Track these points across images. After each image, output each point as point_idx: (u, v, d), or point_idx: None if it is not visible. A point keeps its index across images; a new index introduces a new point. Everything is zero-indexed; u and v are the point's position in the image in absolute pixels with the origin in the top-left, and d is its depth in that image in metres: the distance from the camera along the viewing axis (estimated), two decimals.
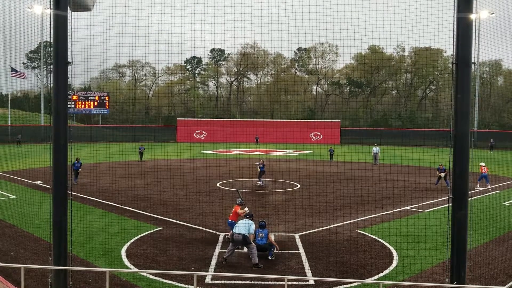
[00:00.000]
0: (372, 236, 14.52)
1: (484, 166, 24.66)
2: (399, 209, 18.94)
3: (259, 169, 25.30)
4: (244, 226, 11.94)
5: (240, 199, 14.28)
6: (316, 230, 15.31)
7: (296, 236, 14.40)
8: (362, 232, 15.11)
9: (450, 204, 8.93)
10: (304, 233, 14.84)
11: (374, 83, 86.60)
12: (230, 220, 13.50)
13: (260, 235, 12.26)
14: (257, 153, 47.97)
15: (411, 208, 19.33)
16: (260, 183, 25.13)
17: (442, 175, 24.81)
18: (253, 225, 12.06)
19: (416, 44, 75.52)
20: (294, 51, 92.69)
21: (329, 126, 70.99)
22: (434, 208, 19.18)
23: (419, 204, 20.05)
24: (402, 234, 14.67)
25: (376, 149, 38.67)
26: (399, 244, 13.63)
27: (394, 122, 78.56)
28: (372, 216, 17.50)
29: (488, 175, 24.79)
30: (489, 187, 24.54)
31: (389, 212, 18.41)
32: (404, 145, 59.39)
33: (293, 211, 18.06)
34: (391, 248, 13.26)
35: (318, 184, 24.61)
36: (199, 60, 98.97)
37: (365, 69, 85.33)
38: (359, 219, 17.06)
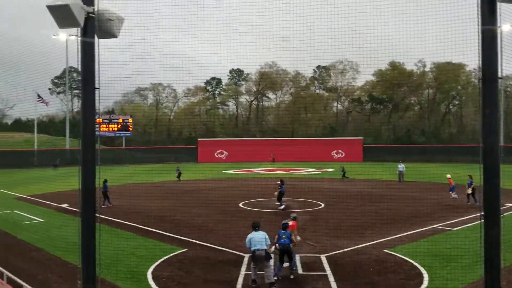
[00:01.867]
0: (401, 256, 14.17)
1: (450, 177, 27.03)
2: (427, 228, 18.48)
3: (279, 189, 24.66)
4: (261, 240, 11.73)
5: (294, 214, 14.70)
6: (343, 250, 15.03)
7: (323, 257, 14.15)
8: (390, 252, 14.77)
9: (482, 221, 8.65)
10: (330, 253, 14.59)
11: (396, 99, 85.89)
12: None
13: (284, 236, 12.11)
14: (279, 172, 47.79)
15: (439, 226, 18.84)
16: (283, 206, 24.24)
17: (470, 190, 24.21)
18: (267, 236, 11.93)
19: (437, 59, 74.86)
20: (314, 69, 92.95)
21: (351, 143, 70.42)
22: (464, 226, 18.66)
23: (448, 222, 19.53)
24: (432, 254, 14.27)
25: (401, 167, 38.11)
26: (429, 264, 13.25)
27: (418, 138, 77.43)
28: (400, 235, 17.12)
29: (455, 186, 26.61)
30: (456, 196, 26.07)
31: (417, 231, 17.98)
32: (429, 162, 58.38)
33: (318, 231, 17.81)
34: (421, 268, 12.90)
35: (343, 203, 24.30)
36: (219, 81, 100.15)
37: (386, 85, 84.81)
38: (386, 238, 16.70)
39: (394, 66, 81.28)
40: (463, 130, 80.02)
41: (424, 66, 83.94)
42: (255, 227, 12.16)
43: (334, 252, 14.77)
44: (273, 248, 12.51)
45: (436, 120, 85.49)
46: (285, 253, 12.11)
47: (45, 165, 56.05)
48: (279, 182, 25.23)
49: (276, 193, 24.78)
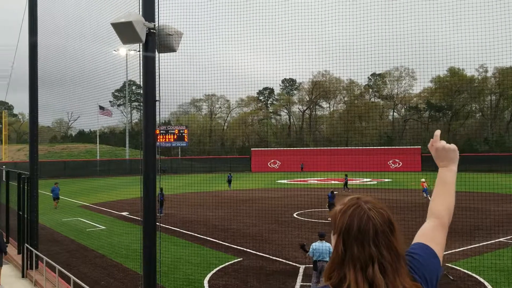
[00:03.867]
0: (464, 270, 13.50)
1: (424, 181, 32.29)
2: (493, 241, 17.50)
3: (329, 201, 24.28)
4: (325, 251, 11.37)
5: None
6: None
7: None
8: (453, 266, 14.11)
9: None
10: None
11: (455, 106, 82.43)
12: None
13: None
14: (333, 182, 47.10)
15: (506, 239, 17.79)
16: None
17: None
18: (331, 248, 11.59)
19: (500, 64, 71.14)
20: (368, 77, 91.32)
21: (409, 152, 68.20)
22: None
23: None
24: (498, 269, 13.49)
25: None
26: (494, 279, 12.54)
27: (480, 147, 73.75)
28: (463, 248, 16.32)
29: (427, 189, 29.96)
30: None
31: (481, 244, 17.08)
32: (493, 171, 55.34)
33: None
34: (486, 283, 12.22)
35: (400, 214, 23.51)
36: (271, 91, 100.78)
37: (445, 92, 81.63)
38: (449, 252, 15.96)
39: (454, 72, 78.13)
40: None
41: (486, 71, 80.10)
42: (321, 236, 11.79)
43: None
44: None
45: (500, 127, 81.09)
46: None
47: (107, 174, 58.58)
48: (329, 193, 24.96)
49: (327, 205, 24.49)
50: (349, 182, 40.82)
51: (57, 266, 11.42)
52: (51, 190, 29.81)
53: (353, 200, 1.74)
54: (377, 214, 1.67)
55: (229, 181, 42.60)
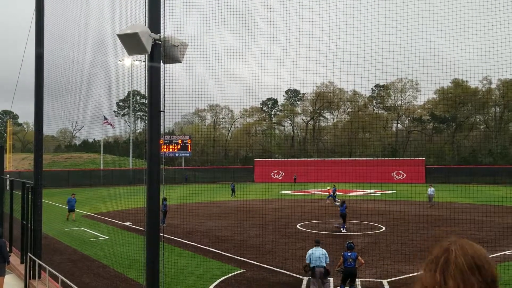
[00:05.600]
0: None
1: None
2: (497, 254, 17.34)
3: (340, 211, 24.04)
4: (320, 257, 11.72)
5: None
6: (406, 276, 14.41)
7: (385, 282, 13.64)
8: None
9: None
10: (393, 279, 14.04)
11: (459, 118, 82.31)
12: None
13: (350, 259, 11.79)
14: (338, 193, 46.91)
15: (510, 253, 17.62)
16: (344, 228, 23.54)
17: None
18: (327, 254, 11.89)
19: (504, 76, 71.13)
20: (372, 88, 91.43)
21: (412, 164, 68.00)
22: None
23: None
24: (503, 282, 13.32)
25: (431, 190, 36.32)
26: None
27: (484, 159, 73.45)
28: None
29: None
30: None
31: None
32: (497, 184, 55.09)
33: (380, 255, 17.23)
34: None
35: (405, 226, 23.40)
36: (275, 102, 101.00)
37: (449, 103, 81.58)
38: None
39: (457, 84, 78.14)
40: None
41: (490, 83, 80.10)
42: (317, 243, 12.37)
43: (397, 278, 14.20)
44: (336, 269, 12.41)
45: (504, 139, 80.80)
46: (349, 276, 11.80)
47: (110, 184, 58.62)
48: (338, 203, 24.79)
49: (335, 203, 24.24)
50: (350, 194, 40.55)
51: (60, 276, 11.38)
52: (67, 201, 28.65)
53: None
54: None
55: (233, 191, 42.84)
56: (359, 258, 11.94)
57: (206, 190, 43.87)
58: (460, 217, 26.96)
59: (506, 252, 17.64)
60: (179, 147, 73.77)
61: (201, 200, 38.12)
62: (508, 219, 23.85)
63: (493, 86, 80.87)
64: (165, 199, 25.32)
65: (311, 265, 11.73)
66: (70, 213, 28.27)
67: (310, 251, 12.07)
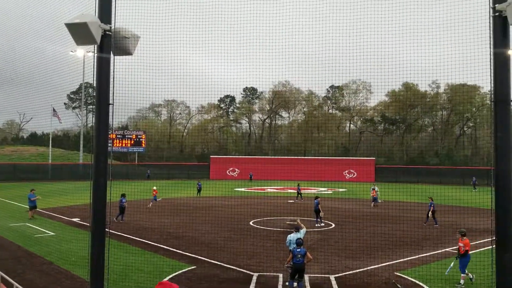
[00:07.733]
0: (412, 279, 13.94)
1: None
2: (440, 251, 18.18)
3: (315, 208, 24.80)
4: (293, 239, 13.05)
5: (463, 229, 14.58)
6: (353, 272, 14.83)
7: (332, 278, 13.99)
8: (401, 274, 14.54)
9: (494, 246, 8.50)
10: (340, 274, 14.41)
11: (409, 120, 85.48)
12: None
13: (299, 255, 12.01)
14: (290, 190, 47.56)
15: (452, 250, 18.51)
16: (322, 224, 24.51)
17: (430, 213, 25.16)
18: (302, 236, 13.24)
19: (451, 81, 74.49)
20: (327, 89, 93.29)
21: (363, 163, 69.99)
22: (477, 250, 18.27)
23: None
24: (444, 278, 14.01)
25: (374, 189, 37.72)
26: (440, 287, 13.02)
27: (431, 160, 76.66)
28: (411, 258, 16.86)
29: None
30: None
31: (428, 254, 17.69)
32: (443, 184, 57.66)
33: (328, 252, 17.63)
34: None
35: (354, 224, 24.06)
36: (233, 99, 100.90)
37: (399, 106, 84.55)
38: (397, 261, 16.45)
39: (408, 87, 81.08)
40: (478, 153, 79.08)
41: (438, 87, 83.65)
42: (296, 229, 13.75)
43: (344, 273, 14.59)
44: (285, 265, 12.78)
45: (449, 142, 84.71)
46: (298, 272, 12.01)
47: (59, 179, 56.60)
48: (315, 200, 25.18)
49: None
50: (303, 191, 41.26)
51: (0, 273, 10.90)
52: (28, 197, 26.72)
53: None
54: None
55: (199, 190, 42.22)
56: (308, 254, 12.15)
57: (161, 187, 43.18)
58: (405, 214, 28.04)
59: (447, 249, 18.50)
60: (132, 142, 72.26)
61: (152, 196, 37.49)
62: (451, 217, 25.03)
63: (441, 90, 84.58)
64: (123, 195, 24.75)
65: (290, 248, 12.84)
66: (31, 210, 26.27)
67: (289, 236, 13.59)
